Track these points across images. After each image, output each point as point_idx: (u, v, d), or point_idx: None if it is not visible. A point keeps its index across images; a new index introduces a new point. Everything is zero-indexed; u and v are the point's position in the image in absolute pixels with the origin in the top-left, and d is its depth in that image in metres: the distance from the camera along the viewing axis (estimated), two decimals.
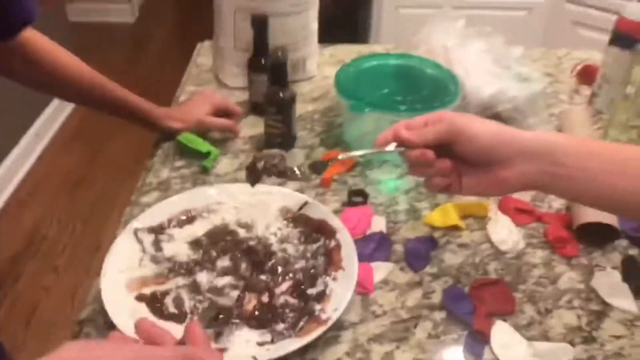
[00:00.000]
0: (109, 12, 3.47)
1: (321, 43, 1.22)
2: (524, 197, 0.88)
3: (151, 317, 0.65)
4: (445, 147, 0.62)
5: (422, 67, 1.01)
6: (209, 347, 0.48)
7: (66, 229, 2.13)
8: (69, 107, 2.66)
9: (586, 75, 1.18)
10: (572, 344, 0.68)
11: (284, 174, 0.74)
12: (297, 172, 0.73)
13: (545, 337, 0.69)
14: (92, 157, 2.47)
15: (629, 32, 0.99)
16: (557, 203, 0.88)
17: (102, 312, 0.66)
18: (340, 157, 0.73)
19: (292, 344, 0.62)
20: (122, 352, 0.42)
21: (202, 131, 0.96)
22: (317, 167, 0.73)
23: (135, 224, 0.75)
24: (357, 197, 0.87)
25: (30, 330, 1.74)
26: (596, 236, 0.81)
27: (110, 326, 0.64)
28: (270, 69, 0.93)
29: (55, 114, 2.58)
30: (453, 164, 0.62)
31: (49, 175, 2.36)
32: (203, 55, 1.24)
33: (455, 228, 0.83)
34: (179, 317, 0.66)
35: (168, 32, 3.55)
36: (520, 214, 0.85)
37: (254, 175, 0.75)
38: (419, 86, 0.99)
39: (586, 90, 1.16)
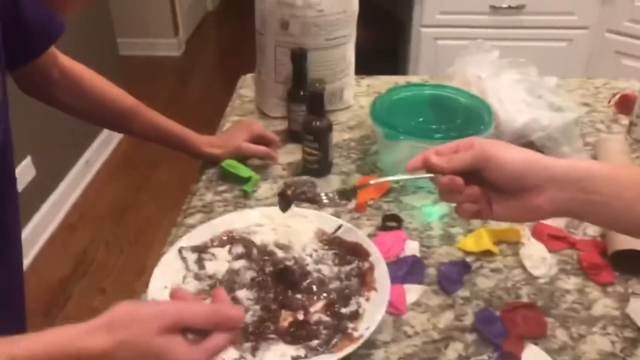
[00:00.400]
0: (158, 46, 3.64)
1: (362, 74, 1.27)
2: (558, 223, 0.89)
3: None
4: (475, 174, 0.63)
5: (456, 96, 1.04)
6: (233, 305, 0.57)
7: (113, 253, 2.21)
8: (117, 137, 2.79)
9: (624, 104, 1.18)
10: None
11: (313, 200, 0.76)
12: (325, 199, 0.74)
13: None
14: (139, 184, 2.57)
15: None
16: (591, 230, 0.88)
17: None
18: (372, 182, 0.76)
19: None
20: (166, 308, 0.52)
21: (242, 157, 1.01)
22: (346, 195, 0.75)
23: (180, 243, 0.80)
24: (391, 222, 0.90)
25: None
26: (632, 263, 0.81)
27: None
28: (308, 100, 0.97)
29: (105, 143, 2.71)
30: (483, 190, 0.63)
31: (97, 201, 2.47)
32: (245, 87, 1.31)
33: (489, 253, 0.84)
34: None
35: (212, 64, 3.70)
36: (553, 240, 0.86)
37: (284, 202, 0.78)
38: (453, 115, 1.01)
39: (624, 120, 1.16)
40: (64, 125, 2.27)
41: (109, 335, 0.50)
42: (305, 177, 0.96)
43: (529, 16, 2.20)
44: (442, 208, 0.93)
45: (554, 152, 0.98)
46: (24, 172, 2.05)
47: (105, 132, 2.69)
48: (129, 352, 0.51)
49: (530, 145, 1.00)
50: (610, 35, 2.19)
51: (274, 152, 1.03)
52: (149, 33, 3.60)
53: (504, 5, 2.17)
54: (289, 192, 0.73)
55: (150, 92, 3.17)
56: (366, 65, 1.81)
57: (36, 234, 2.18)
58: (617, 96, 1.21)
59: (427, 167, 0.65)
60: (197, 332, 0.52)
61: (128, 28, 3.42)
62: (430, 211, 0.93)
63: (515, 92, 1.01)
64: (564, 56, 2.26)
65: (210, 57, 3.82)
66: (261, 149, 1.02)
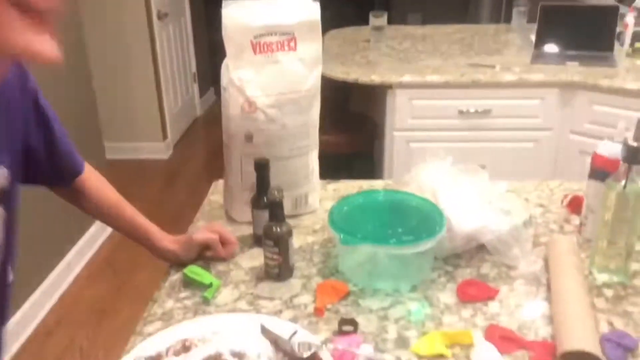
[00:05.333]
0: (145, 149, 3.76)
1: (340, 176, 1.38)
2: (511, 325, 0.91)
3: None
4: None
5: (410, 201, 1.09)
6: None
7: (88, 359, 2.16)
8: (100, 239, 2.81)
9: (576, 205, 1.24)
10: None
11: None
12: None
13: None
14: (119, 287, 2.56)
15: (603, 167, 1.07)
16: (543, 331, 0.90)
17: None
18: None
19: None
20: None
21: (194, 251, 1.07)
22: None
23: (134, 353, 0.81)
24: (347, 326, 0.91)
25: None
26: None
27: None
28: (268, 207, 1.02)
29: (88, 245, 2.73)
30: None
31: (76, 305, 2.44)
32: (216, 193, 1.36)
33: (442, 356, 0.86)
34: None
35: (199, 167, 3.79)
36: (505, 342, 0.87)
37: None
38: (408, 218, 1.06)
39: (576, 220, 1.21)
40: (42, 232, 2.31)
41: None
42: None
43: (496, 119, 2.32)
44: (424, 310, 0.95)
45: (504, 254, 1.02)
46: None
47: (88, 235, 2.71)
48: None
49: (481, 247, 1.05)
50: (574, 136, 2.31)
51: (225, 250, 1.08)
52: (137, 137, 3.74)
53: (472, 110, 2.30)
54: None
55: (136, 195, 3.24)
56: (345, 167, 1.88)
57: (9, 341, 2.14)
58: (569, 197, 1.27)
59: None
60: None
61: (116, 132, 3.56)
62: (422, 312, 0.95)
63: (467, 198, 1.06)
64: (532, 156, 2.37)
65: (197, 160, 3.93)
66: (209, 236, 1.06)
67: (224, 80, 1.13)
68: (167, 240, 1.06)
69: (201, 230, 1.10)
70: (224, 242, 1.08)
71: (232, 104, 1.12)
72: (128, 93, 3.63)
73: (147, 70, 3.62)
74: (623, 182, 0.95)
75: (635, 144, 0.93)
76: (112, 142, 3.37)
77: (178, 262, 1.07)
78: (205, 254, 1.09)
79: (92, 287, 2.57)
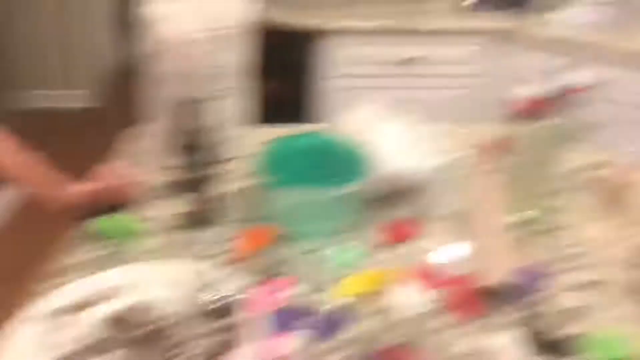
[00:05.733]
0: (56, 97, 3.56)
1: (268, 123, 1.36)
2: (434, 263, 0.93)
3: None
4: None
5: (337, 144, 1.07)
6: None
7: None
8: None
9: (497, 147, 1.26)
10: None
11: None
12: None
13: None
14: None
15: (523, 109, 1.09)
16: (464, 268, 0.92)
17: None
18: None
19: None
20: None
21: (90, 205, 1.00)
22: None
23: (38, 307, 0.76)
24: (275, 270, 0.90)
25: None
26: (500, 296, 0.85)
27: None
28: (190, 151, 0.98)
29: None
30: None
31: None
32: (133, 140, 1.30)
33: (368, 296, 0.86)
34: None
35: (116, 116, 3.61)
36: (427, 279, 0.89)
37: None
38: (335, 161, 1.05)
39: (497, 162, 1.23)
40: None
41: None
42: None
43: (427, 66, 2.31)
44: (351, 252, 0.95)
45: (428, 195, 1.03)
46: None
47: None
48: None
49: (407, 188, 1.05)
50: (503, 83, 2.34)
51: (120, 195, 1.02)
52: (49, 85, 3.52)
53: (405, 57, 2.29)
54: None
55: (50, 145, 3.05)
56: (275, 116, 1.85)
57: None
58: (491, 140, 1.29)
59: None
60: None
61: (26, 80, 3.33)
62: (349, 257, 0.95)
63: (393, 140, 1.06)
64: (462, 104, 2.40)
65: (114, 109, 3.74)
66: (87, 189, 1.01)
67: (140, 16, 1.05)
68: (68, 201, 1.01)
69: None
70: (113, 186, 1.02)
71: (148, 42, 1.05)
72: (38, 39, 3.39)
73: (58, 14, 3.38)
74: (539, 123, 0.97)
75: None
76: (22, 90, 3.16)
77: (88, 216, 1.01)
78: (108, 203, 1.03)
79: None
